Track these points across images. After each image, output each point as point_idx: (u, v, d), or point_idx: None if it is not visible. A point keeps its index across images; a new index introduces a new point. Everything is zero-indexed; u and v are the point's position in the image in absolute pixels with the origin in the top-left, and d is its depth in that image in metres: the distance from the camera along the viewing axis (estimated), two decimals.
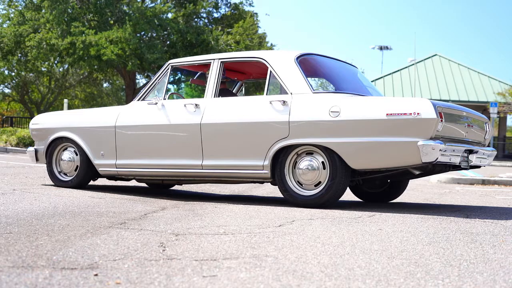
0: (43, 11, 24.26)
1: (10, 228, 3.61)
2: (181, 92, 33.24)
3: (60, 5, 23.21)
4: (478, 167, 5.73)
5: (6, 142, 19.19)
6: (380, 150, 5.11)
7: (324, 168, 5.37)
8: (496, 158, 23.69)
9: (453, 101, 27.48)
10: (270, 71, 5.73)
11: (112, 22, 24.29)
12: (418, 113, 4.94)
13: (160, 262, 2.81)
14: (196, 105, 5.96)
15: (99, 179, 7.17)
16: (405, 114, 4.99)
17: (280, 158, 5.51)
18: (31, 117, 33.64)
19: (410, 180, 8.30)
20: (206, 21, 28.00)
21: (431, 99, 7.30)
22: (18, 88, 37.81)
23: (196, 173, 5.94)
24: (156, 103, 6.21)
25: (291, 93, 5.52)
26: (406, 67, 32.87)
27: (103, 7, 23.95)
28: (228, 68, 6.69)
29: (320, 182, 5.39)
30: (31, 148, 7.21)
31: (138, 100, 6.43)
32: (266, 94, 5.75)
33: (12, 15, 26.09)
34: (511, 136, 45.32)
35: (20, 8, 25.75)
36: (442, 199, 7.39)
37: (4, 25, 26.25)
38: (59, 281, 2.42)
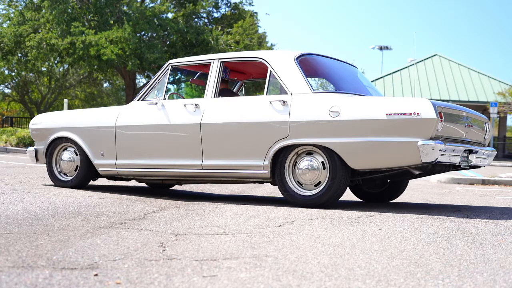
0: (43, 11, 24.27)
1: (10, 228, 3.61)
2: (181, 92, 33.23)
3: (60, 5, 23.21)
4: (478, 167, 5.73)
5: (6, 142, 19.18)
6: (380, 150, 5.11)
7: (324, 168, 5.37)
8: (496, 158, 23.69)
9: (453, 101, 27.48)
10: (270, 71, 5.73)
11: (112, 22, 24.29)
12: (418, 113, 4.94)
13: (160, 262, 2.81)
14: (196, 105, 5.96)
15: (99, 179, 7.17)
16: (405, 114, 4.99)
17: (280, 158, 5.51)
18: (31, 117, 33.64)
19: (410, 180, 8.30)
20: (206, 21, 28.00)
21: (431, 99, 7.30)
22: (18, 88, 37.82)
23: (196, 173, 5.93)
24: (156, 103, 6.21)
25: (291, 93, 5.52)
26: (406, 67, 32.86)
27: (103, 7, 23.95)
28: (228, 68, 6.69)
29: (320, 182, 5.39)
30: (31, 148, 7.21)
31: (138, 100, 6.43)
32: (266, 94, 5.75)
33: (12, 15, 26.09)
34: (511, 136, 45.31)
35: (20, 8, 25.75)
36: (442, 199, 7.39)
37: (4, 25, 26.25)
38: (59, 281, 2.42)
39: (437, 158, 4.94)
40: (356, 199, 6.73)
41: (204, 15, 27.67)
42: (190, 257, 2.94)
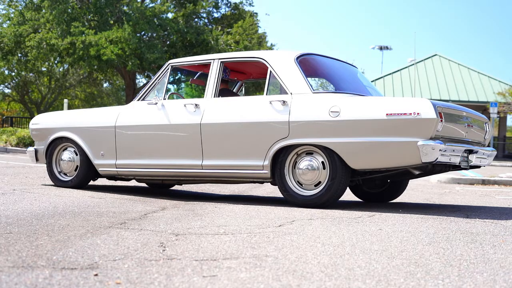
0: (43, 11, 24.27)
1: (10, 228, 3.61)
2: (181, 92, 33.24)
3: (60, 5, 23.21)
4: (478, 167, 5.73)
5: (6, 142, 19.19)
6: (380, 150, 5.11)
7: (324, 168, 5.37)
8: (496, 158, 23.68)
9: (453, 101, 27.48)
10: (270, 71, 5.73)
11: (112, 22, 24.30)
12: (418, 113, 4.94)
13: (160, 262, 2.81)
14: (196, 105, 5.96)
15: (99, 179, 7.17)
16: (405, 114, 4.99)
17: (280, 158, 5.51)
18: (31, 117, 33.64)
19: (410, 180, 8.30)
20: (206, 21, 28.01)
21: (431, 99, 7.29)
22: (18, 88, 37.82)
23: (196, 173, 5.93)
24: (156, 103, 6.21)
25: (291, 93, 5.52)
26: (406, 67, 32.86)
27: (103, 7, 23.96)
28: (228, 68, 6.69)
29: (320, 182, 5.39)
30: (31, 148, 7.21)
31: (138, 100, 6.43)
32: (266, 94, 5.75)
33: (12, 15, 26.09)
34: (511, 136, 45.31)
35: (20, 8, 25.75)
36: (442, 199, 7.39)
37: (4, 25, 26.25)
38: (59, 281, 2.42)
39: (437, 158, 4.94)
40: (356, 199, 6.73)
41: (204, 15, 27.69)
42: (190, 257, 2.94)
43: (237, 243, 3.38)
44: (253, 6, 45.38)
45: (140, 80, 33.51)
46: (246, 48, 25.09)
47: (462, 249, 3.42)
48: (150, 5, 26.07)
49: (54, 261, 2.76)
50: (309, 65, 5.89)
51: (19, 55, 25.89)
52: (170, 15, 26.59)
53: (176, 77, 27.81)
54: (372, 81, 20.04)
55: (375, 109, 5.15)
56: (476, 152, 5.51)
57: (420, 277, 2.67)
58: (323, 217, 4.68)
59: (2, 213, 4.23)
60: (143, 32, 24.47)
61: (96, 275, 2.53)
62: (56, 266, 2.65)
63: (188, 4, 26.05)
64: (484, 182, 11.31)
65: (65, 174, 6.84)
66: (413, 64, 31.86)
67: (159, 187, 7.61)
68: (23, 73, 33.13)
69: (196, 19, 27.21)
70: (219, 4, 27.78)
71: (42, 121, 7.20)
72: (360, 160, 5.21)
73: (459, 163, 5.28)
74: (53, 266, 2.66)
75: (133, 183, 8.13)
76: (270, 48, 29.12)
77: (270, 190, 7.83)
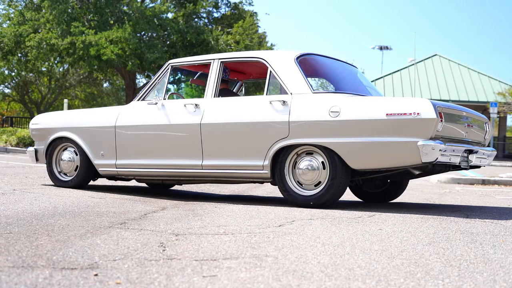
0: (43, 11, 24.28)
1: (10, 228, 3.61)
2: (181, 92, 33.23)
3: (60, 5, 23.22)
4: (478, 167, 5.73)
5: (6, 142, 19.19)
6: (380, 150, 5.11)
7: (324, 168, 5.37)
8: (496, 158, 23.68)
9: (453, 101, 27.48)
10: (270, 71, 5.73)
11: (112, 22, 24.30)
12: (418, 113, 4.94)
13: (160, 262, 2.81)
14: (196, 105, 5.96)
15: (99, 179, 7.17)
16: (405, 114, 4.99)
17: (280, 158, 5.51)
18: (31, 117, 33.64)
19: (410, 180, 8.30)
20: (206, 21, 28.02)
21: (431, 99, 7.30)
22: (18, 88, 37.81)
23: (196, 173, 5.94)
24: (156, 103, 6.21)
25: (291, 93, 5.52)
26: (406, 67, 32.87)
27: (103, 7, 23.96)
28: (228, 68, 6.69)
29: (320, 182, 5.39)
30: (31, 148, 7.21)
31: (138, 100, 6.43)
32: (266, 94, 5.75)
33: (12, 15, 26.09)
34: (511, 136, 45.31)
35: (20, 8, 25.75)
36: (442, 199, 7.39)
37: (4, 25, 26.25)
38: (59, 281, 2.42)
39: (437, 158, 4.94)
40: (356, 199, 6.73)
41: (204, 15, 27.69)
42: (190, 257, 2.94)
43: (237, 243, 3.38)
44: (252, 5, 45.44)
45: (140, 80, 33.52)
46: (247, 47, 25.09)
47: (462, 249, 3.42)
48: (150, 5, 26.07)
49: (54, 261, 2.76)
50: (309, 65, 5.89)
51: (19, 55, 25.90)
52: (170, 15, 26.59)
53: (176, 77, 27.82)
54: (372, 81, 20.04)
55: (375, 109, 5.15)
56: (476, 152, 5.51)
57: (420, 277, 2.67)
58: (323, 217, 4.68)
59: (2, 213, 4.23)
60: (143, 32, 24.47)
61: (96, 275, 2.53)
62: (56, 266, 2.65)
63: (188, 4, 26.06)
64: (484, 182, 11.30)
65: (65, 174, 6.84)
66: (413, 64, 31.87)
67: (159, 187, 7.61)
68: (23, 73, 33.13)
69: (196, 19, 27.21)
70: (219, 4, 27.80)
71: (42, 121, 7.20)
72: (360, 160, 5.21)
73: (459, 163, 5.28)
74: (53, 266, 2.66)
75: (133, 183, 8.13)
76: (270, 48, 29.12)
77: (270, 190, 7.83)
